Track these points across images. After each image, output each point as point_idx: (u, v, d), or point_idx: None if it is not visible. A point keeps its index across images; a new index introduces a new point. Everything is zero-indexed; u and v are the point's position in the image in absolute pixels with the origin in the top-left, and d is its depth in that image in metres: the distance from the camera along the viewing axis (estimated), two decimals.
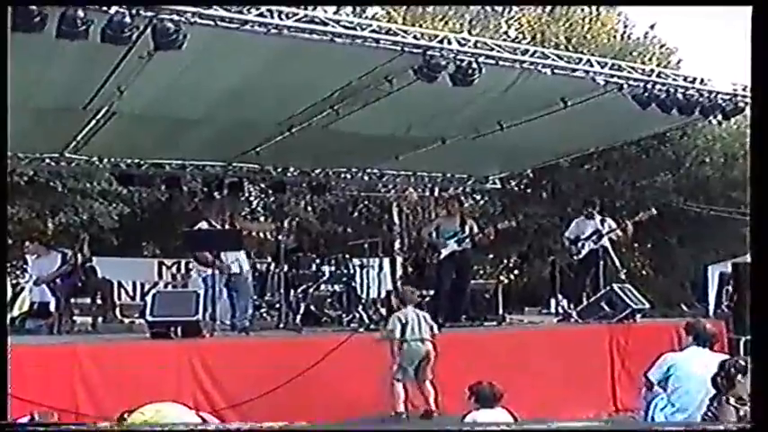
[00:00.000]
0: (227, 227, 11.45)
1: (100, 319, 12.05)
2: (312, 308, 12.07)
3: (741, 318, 11.64)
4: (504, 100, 10.87)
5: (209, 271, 10.53)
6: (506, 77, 10.13)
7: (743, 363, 6.90)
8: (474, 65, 9.41)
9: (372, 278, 13.16)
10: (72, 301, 11.89)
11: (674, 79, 11.08)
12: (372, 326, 10.87)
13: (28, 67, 9.08)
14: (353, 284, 12.68)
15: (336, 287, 12.54)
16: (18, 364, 7.83)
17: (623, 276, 13.25)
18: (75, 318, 12.00)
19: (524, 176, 24.91)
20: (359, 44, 9.05)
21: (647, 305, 12.55)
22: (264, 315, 12.45)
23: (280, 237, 12.24)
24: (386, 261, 15.49)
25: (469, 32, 24.86)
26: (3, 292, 11.17)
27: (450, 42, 9.40)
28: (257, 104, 11.12)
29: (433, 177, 17.03)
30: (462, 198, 16.33)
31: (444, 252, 12.47)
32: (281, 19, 8.53)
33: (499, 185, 18.36)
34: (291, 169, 16.05)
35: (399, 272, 18.06)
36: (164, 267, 18.08)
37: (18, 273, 14.67)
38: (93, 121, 11.71)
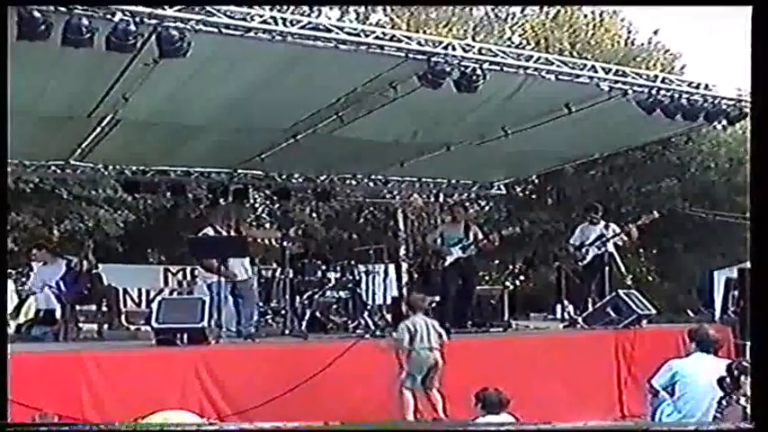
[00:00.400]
0: (232, 233, 11.45)
1: (106, 326, 12.07)
2: (317, 314, 12.07)
3: (747, 323, 11.62)
4: (509, 106, 10.87)
5: (215, 278, 10.53)
6: (511, 83, 10.14)
7: (746, 364, 6.92)
8: (478, 71, 9.42)
9: (378, 284, 13.16)
10: (78, 308, 11.92)
11: (679, 85, 11.06)
12: (378, 332, 10.86)
13: (33, 75, 9.13)
14: (359, 291, 12.69)
15: (342, 293, 12.54)
16: (24, 371, 7.85)
17: (629, 282, 13.25)
18: (80, 325, 12.04)
19: (529, 182, 24.90)
20: (363, 51, 9.06)
21: (653, 311, 12.53)
22: (270, 321, 12.44)
23: (285, 243, 12.24)
24: (391, 267, 15.51)
25: (473, 38, 24.94)
26: (3, 294, 11.18)
27: (454, 48, 9.41)
28: (262, 111, 11.13)
29: (438, 183, 17.02)
30: (467, 204, 16.34)
31: (449, 259, 12.49)
32: (286, 26, 8.55)
33: (504, 191, 18.34)
34: (296, 176, 16.05)
35: (405, 278, 18.07)
36: (169, 274, 18.11)
37: (24, 279, 14.66)
38: (99, 129, 11.73)
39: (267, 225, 25.47)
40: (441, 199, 17.88)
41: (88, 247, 12.65)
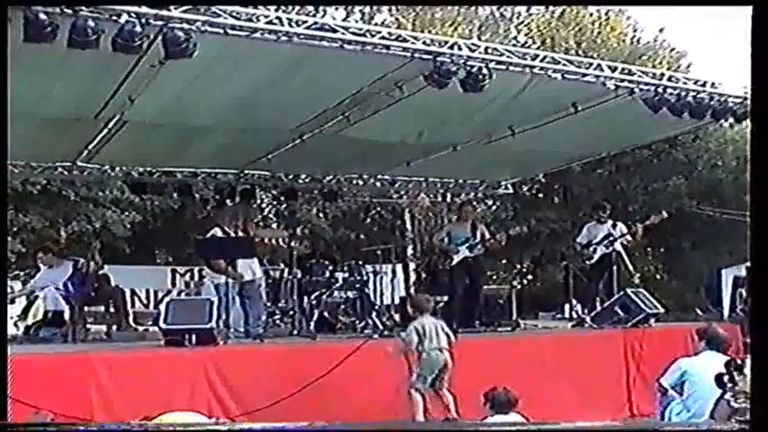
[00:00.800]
0: (240, 234, 11.46)
1: (114, 327, 12.09)
2: (325, 314, 12.07)
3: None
4: (515, 105, 10.85)
5: (222, 278, 10.54)
6: (517, 83, 10.12)
7: (739, 361, 6.91)
8: (484, 70, 9.40)
9: (385, 284, 13.17)
10: (86, 309, 11.94)
11: (685, 83, 11.04)
12: (386, 332, 10.87)
13: (40, 77, 9.15)
14: (367, 291, 12.69)
15: (350, 294, 12.54)
16: (33, 373, 7.88)
17: (637, 281, 13.22)
18: (89, 326, 12.05)
19: (536, 181, 24.90)
20: (369, 51, 9.05)
21: (662, 309, 12.51)
22: (278, 322, 12.44)
23: (292, 243, 12.25)
24: (399, 267, 15.53)
25: (479, 38, 24.93)
26: (3, 294, 11.20)
27: (460, 48, 9.40)
28: (268, 112, 11.13)
29: (445, 183, 17.00)
30: (474, 203, 16.33)
31: (456, 258, 12.48)
32: (291, 26, 8.55)
33: (511, 190, 18.32)
34: (303, 176, 16.04)
35: (412, 278, 18.08)
36: (177, 275, 18.13)
37: (32, 281, 14.69)
38: (105, 130, 11.73)
39: (274, 225, 25.49)
40: (448, 198, 17.87)
41: (95, 248, 12.68)
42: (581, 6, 27.85)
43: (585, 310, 13.32)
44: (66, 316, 11.65)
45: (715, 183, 24.72)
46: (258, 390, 8.79)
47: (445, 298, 12.44)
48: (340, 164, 15.01)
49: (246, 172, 15.30)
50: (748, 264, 13.70)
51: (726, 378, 7.10)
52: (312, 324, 11.52)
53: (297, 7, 25.80)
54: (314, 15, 23.33)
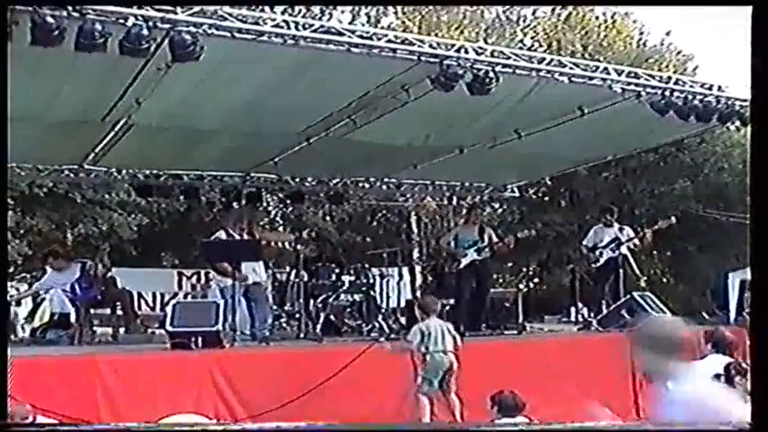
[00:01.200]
0: (246, 236, 11.46)
1: (121, 329, 12.10)
2: (332, 317, 12.06)
3: None
4: (522, 108, 10.84)
5: (228, 281, 10.54)
6: (523, 86, 10.13)
7: (744, 365, 6.91)
8: (491, 74, 9.41)
9: (392, 287, 13.17)
10: (92, 311, 11.95)
11: (692, 86, 11.03)
12: (393, 335, 10.87)
13: (47, 80, 9.18)
14: (373, 294, 12.68)
15: (356, 297, 12.53)
16: (39, 375, 7.89)
17: (643, 284, 13.20)
18: (95, 328, 12.05)
19: (542, 184, 24.86)
20: (375, 54, 9.06)
21: (668, 313, 12.48)
22: (284, 325, 12.45)
23: (299, 246, 12.24)
24: (405, 270, 15.50)
25: (485, 41, 24.90)
26: (3, 295, 11.22)
27: (466, 51, 9.40)
28: (275, 115, 11.14)
29: (452, 186, 17.00)
30: (481, 206, 16.32)
31: (464, 261, 12.47)
32: (298, 30, 8.56)
33: (517, 194, 18.31)
34: (309, 179, 16.05)
35: (419, 281, 18.07)
36: (183, 278, 18.11)
37: (38, 283, 14.72)
38: (112, 133, 11.76)
39: (281, 228, 25.52)
40: (454, 202, 17.86)
41: (104, 250, 12.70)
42: (587, 9, 27.86)
43: (592, 314, 13.32)
44: (73, 318, 11.65)
45: (721, 186, 24.67)
46: (264, 393, 8.79)
47: (452, 301, 12.44)
48: (346, 167, 15.02)
49: (253, 175, 15.32)
50: None
51: (722, 380, 7.12)
52: (318, 327, 11.51)
53: (303, 11, 25.96)
54: (320, 19, 23.45)
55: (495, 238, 12.78)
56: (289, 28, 8.52)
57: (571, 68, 10.25)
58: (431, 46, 9.37)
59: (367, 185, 16.69)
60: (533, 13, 29.99)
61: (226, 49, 8.55)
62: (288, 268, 13.50)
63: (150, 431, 4.53)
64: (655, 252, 24.22)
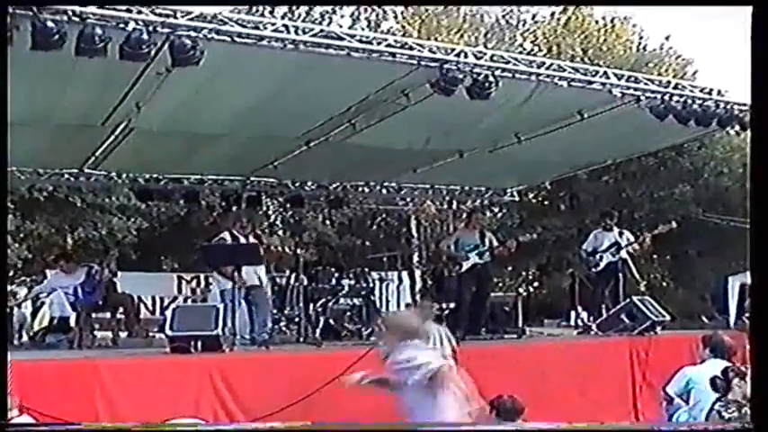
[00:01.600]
0: (251, 239, 11.45)
1: (125, 333, 12.11)
2: (331, 322, 12.05)
3: None
4: (521, 113, 10.85)
5: (229, 285, 10.54)
6: (523, 90, 10.13)
7: (743, 369, 6.93)
8: (491, 78, 9.42)
9: (391, 291, 13.19)
10: (93, 315, 11.95)
11: (691, 91, 11.05)
12: None
13: (47, 85, 9.19)
14: (373, 298, 12.69)
15: (356, 301, 12.54)
16: (39, 379, 7.89)
17: (643, 288, 13.20)
18: (95, 332, 12.06)
19: (542, 189, 24.88)
20: (375, 58, 9.07)
21: (668, 317, 12.49)
22: (284, 329, 12.45)
23: (298, 251, 12.24)
24: (405, 274, 15.51)
25: (485, 45, 24.95)
26: (3, 296, 11.22)
27: (466, 56, 9.41)
28: (275, 119, 11.15)
29: (451, 190, 17.00)
30: (481, 210, 16.32)
31: (465, 265, 12.46)
32: (298, 34, 8.57)
33: (517, 198, 18.31)
34: (309, 183, 16.05)
35: (418, 285, 18.07)
36: (183, 282, 18.13)
37: (38, 287, 14.74)
38: (112, 137, 11.76)
39: (281, 232, 25.52)
40: (454, 206, 17.86)
41: (112, 256, 12.73)
42: (587, 14, 27.89)
43: (591, 318, 13.32)
44: (73, 322, 11.66)
45: (721, 190, 24.68)
46: (264, 397, 8.77)
47: (452, 305, 12.44)
48: (346, 171, 15.03)
49: (253, 179, 15.33)
50: None
51: (720, 382, 7.15)
52: (318, 331, 11.51)
53: (303, 15, 26.00)
54: (320, 23, 23.48)
55: (495, 242, 12.78)
56: (288, 32, 8.54)
57: (571, 73, 10.27)
58: (430, 50, 9.38)
59: (367, 189, 16.68)
60: (533, 18, 30.08)
61: (226, 54, 8.56)
62: (288, 272, 13.50)
63: (149, 431, 4.56)
64: (654, 256, 24.23)
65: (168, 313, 10.10)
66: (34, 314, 12.54)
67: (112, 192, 19.78)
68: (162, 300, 17.25)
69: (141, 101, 9.86)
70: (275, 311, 12.23)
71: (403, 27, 28.37)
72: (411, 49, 9.27)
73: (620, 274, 12.79)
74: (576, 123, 11.43)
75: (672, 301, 17.95)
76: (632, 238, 13.23)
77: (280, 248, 13.26)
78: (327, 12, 27.76)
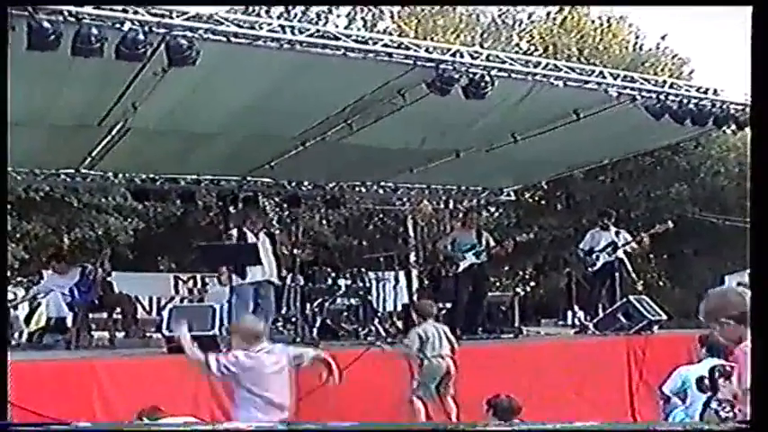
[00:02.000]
0: (263, 235, 11.39)
1: (122, 333, 12.10)
2: (328, 321, 12.05)
3: None
4: (518, 112, 10.87)
5: (245, 281, 10.55)
6: (519, 90, 10.14)
7: (728, 368, 6.95)
8: (486, 78, 9.42)
9: (388, 291, 13.18)
10: (90, 316, 11.94)
11: (687, 90, 11.07)
12: (389, 339, 10.86)
13: (43, 85, 9.18)
14: (369, 298, 12.69)
15: (352, 301, 12.54)
16: (36, 379, 7.88)
17: (639, 288, 13.20)
18: (92, 333, 12.05)
19: (539, 188, 24.91)
20: (371, 58, 9.07)
21: (664, 316, 12.49)
22: (280, 329, 12.42)
23: (295, 251, 12.23)
24: (401, 274, 15.51)
25: (481, 45, 24.95)
26: (3, 296, 11.21)
27: (462, 56, 9.42)
28: (271, 119, 11.14)
29: (448, 190, 17.01)
30: (478, 210, 16.32)
31: (462, 265, 12.47)
32: (294, 34, 8.58)
33: (513, 197, 18.29)
34: (306, 183, 16.05)
35: (415, 285, 18.07)
36: (180, 282, 18.13)
37: (34, 288, 14.74)
38: (109, 137, 11.76)
39: (277, 232, 25.51)
40: (450, 205, 17.86)
41: (105, 255, 12.71)
42: (583, 13, 27.91)
43: (588, 317, 13.31)
44: (69, 323, 11.65)
45: (717, 189, 24.72)
46: None
47: (449, 305, 12.44)
48: (343, 171, 15.02)
49: (249, 179, 15.32)
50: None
51: (706, 382, 7.17)
52: (315, 331, 11.50)
53: (299, 15, 25.99)
54: (316, 23, 23.48)
55: (492, 242, 12.79)
56: (284, 32, 8.55)
57: (567, 72, 10.28)
58: (427, 50, 9.40)
59: (363, 189, 16.68)
60: (529, 17, 30.07)
61: (222, 54, 8.56)
62: (284, 272, 13.50)
63: (148, 431, 4.57)
64: (651, 256, 24.23)
65: (165, 313, 10.08)
66: (31, 315, 12.50)
67: (109, 192, 19.76)
68: (159, 300, 17.25)
69: (137, 101, 9.87)
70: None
71: (399, 27, 28.36)
72: (407, 48, 9.28)
73: (617, 274, 12.80)
74: (572, 123, 11.44)
75: (668, 301, 17.94)
76: (629, 238, 13.24)
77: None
78: (323, 12, 27.77)
